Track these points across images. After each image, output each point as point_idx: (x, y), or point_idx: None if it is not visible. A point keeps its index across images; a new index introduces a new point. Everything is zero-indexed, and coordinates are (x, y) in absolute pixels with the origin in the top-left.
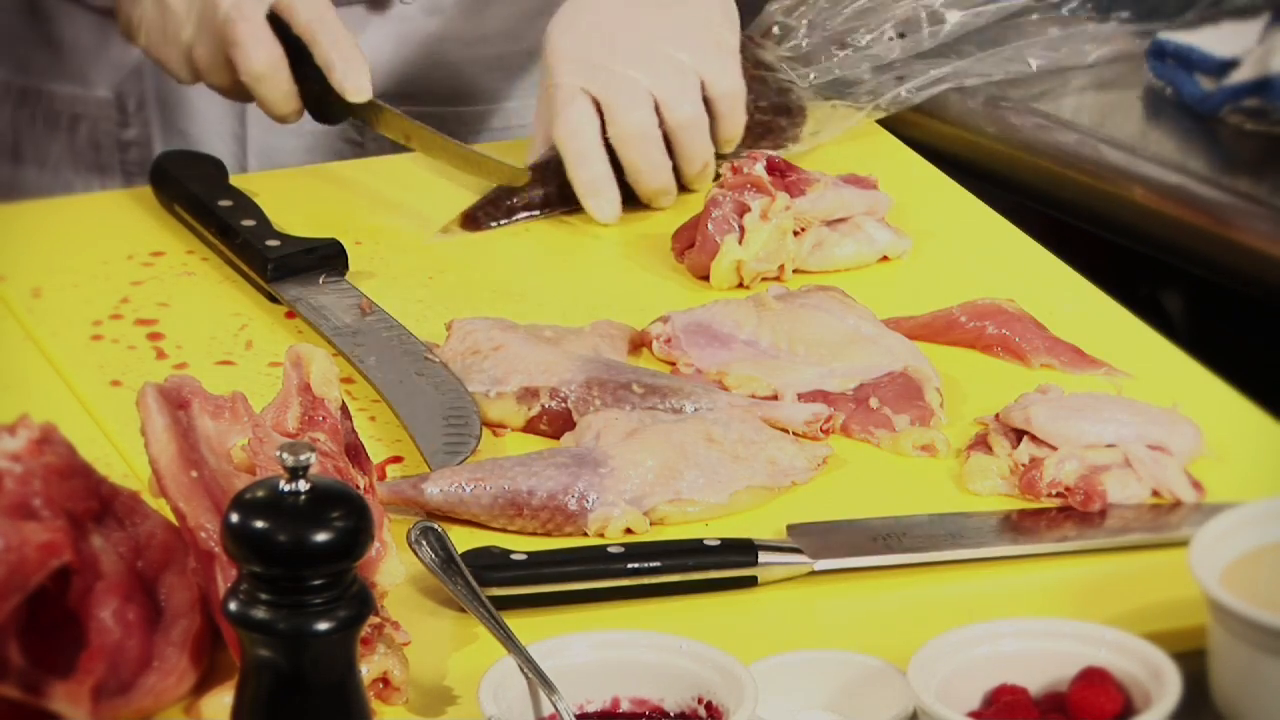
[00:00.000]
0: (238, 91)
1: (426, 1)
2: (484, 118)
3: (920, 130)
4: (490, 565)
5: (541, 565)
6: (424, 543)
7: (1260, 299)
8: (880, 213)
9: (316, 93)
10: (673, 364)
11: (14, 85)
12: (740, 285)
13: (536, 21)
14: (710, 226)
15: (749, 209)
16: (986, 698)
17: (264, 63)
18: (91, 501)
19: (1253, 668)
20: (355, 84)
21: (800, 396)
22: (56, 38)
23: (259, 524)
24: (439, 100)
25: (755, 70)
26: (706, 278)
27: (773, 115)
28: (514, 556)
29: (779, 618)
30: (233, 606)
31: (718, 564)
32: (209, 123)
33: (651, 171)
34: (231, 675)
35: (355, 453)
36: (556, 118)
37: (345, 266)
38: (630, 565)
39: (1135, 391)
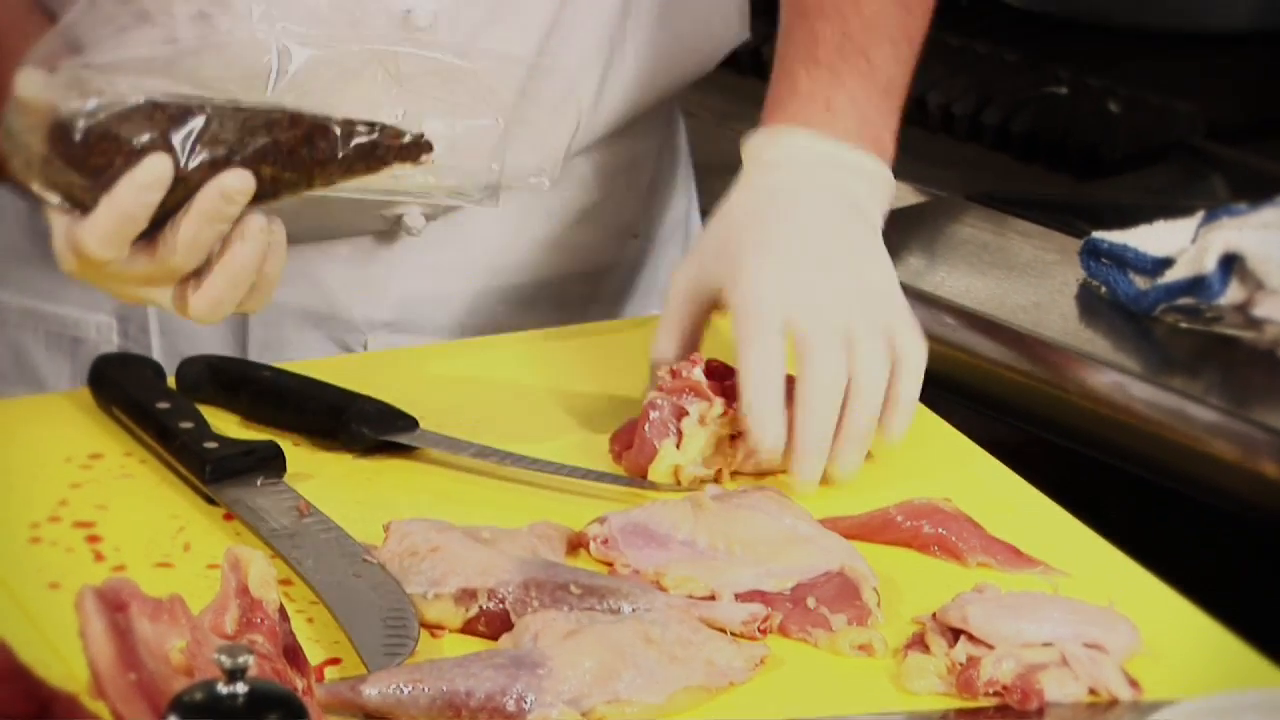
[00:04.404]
0: None
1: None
2: None
3: None
4: None
5: None
6: None
7: (1195, 497)
8: None
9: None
10: (610, 565)
11: (14, 306)
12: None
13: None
14: (648, 430)
15: (687, 413)
16: None
17: None
18: (30, 704)
19: None
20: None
21: (738, 596)
22: None
23: None
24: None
25: None
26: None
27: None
28: None
29: None
30: None
31: None
32: (210, 344)
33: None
34: None
35: (293, 654)
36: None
37: (283, 468)
38: None
39: (1071, 590)
